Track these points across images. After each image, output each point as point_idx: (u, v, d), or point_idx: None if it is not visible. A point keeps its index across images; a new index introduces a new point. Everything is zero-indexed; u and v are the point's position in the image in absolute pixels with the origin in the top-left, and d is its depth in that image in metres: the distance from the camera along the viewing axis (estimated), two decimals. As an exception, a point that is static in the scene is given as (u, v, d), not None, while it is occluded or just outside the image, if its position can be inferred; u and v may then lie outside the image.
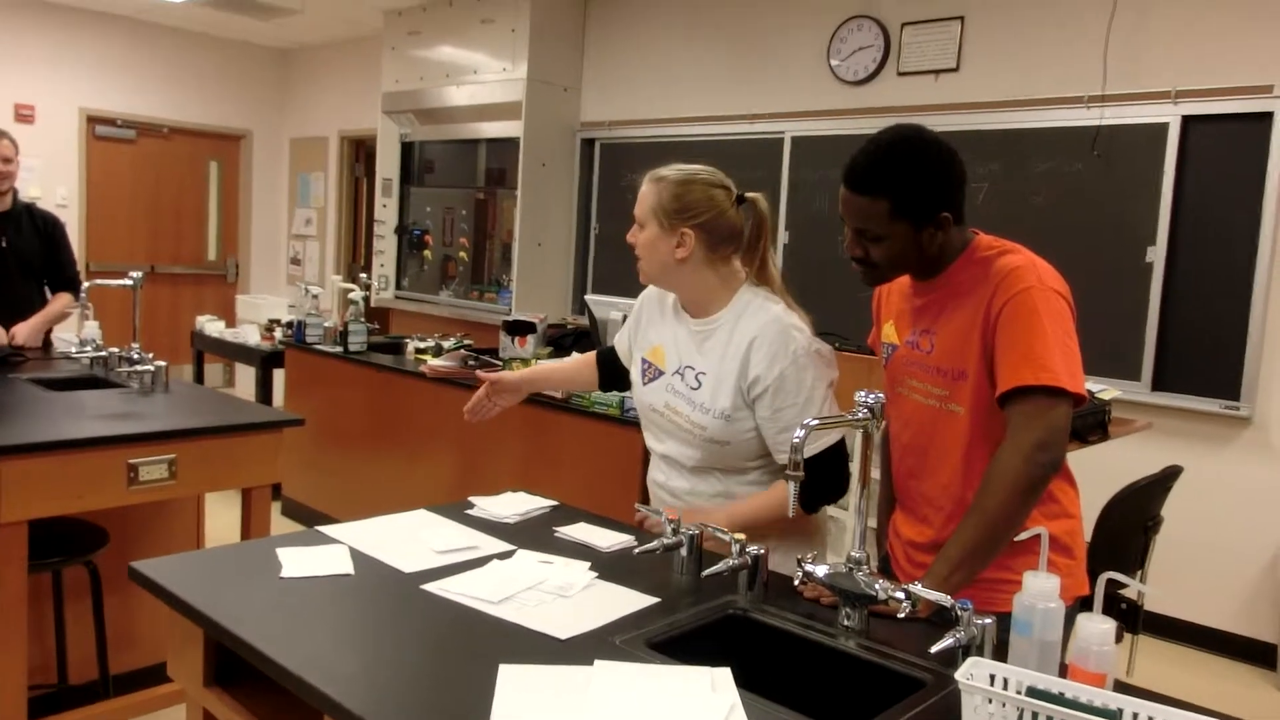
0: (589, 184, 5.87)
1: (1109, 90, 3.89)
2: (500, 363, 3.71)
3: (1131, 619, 2.61)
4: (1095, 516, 2.51)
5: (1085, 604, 1.71)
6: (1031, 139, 4.13)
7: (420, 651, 1.25)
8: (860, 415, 1.34)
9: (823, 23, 4.79)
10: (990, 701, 1.08)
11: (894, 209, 1.51)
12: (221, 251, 7.91)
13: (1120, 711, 1.04)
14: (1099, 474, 2.65)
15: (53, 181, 6.80)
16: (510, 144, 5.72)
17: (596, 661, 1.21)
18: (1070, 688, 1.08)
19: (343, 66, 7.40)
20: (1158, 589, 3.59)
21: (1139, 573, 2.66)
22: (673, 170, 1.80)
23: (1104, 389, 2.84)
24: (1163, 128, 3.76)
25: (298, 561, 1.51)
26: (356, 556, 1.55)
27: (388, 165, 6.55)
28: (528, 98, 5.54)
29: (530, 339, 3.69)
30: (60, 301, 3.53)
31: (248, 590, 1.40)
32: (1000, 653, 1.22)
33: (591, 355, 2.17)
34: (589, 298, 3.75)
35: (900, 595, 1.31)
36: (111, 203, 7.19)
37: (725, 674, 1.18)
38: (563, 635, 1.29)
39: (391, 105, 6.36)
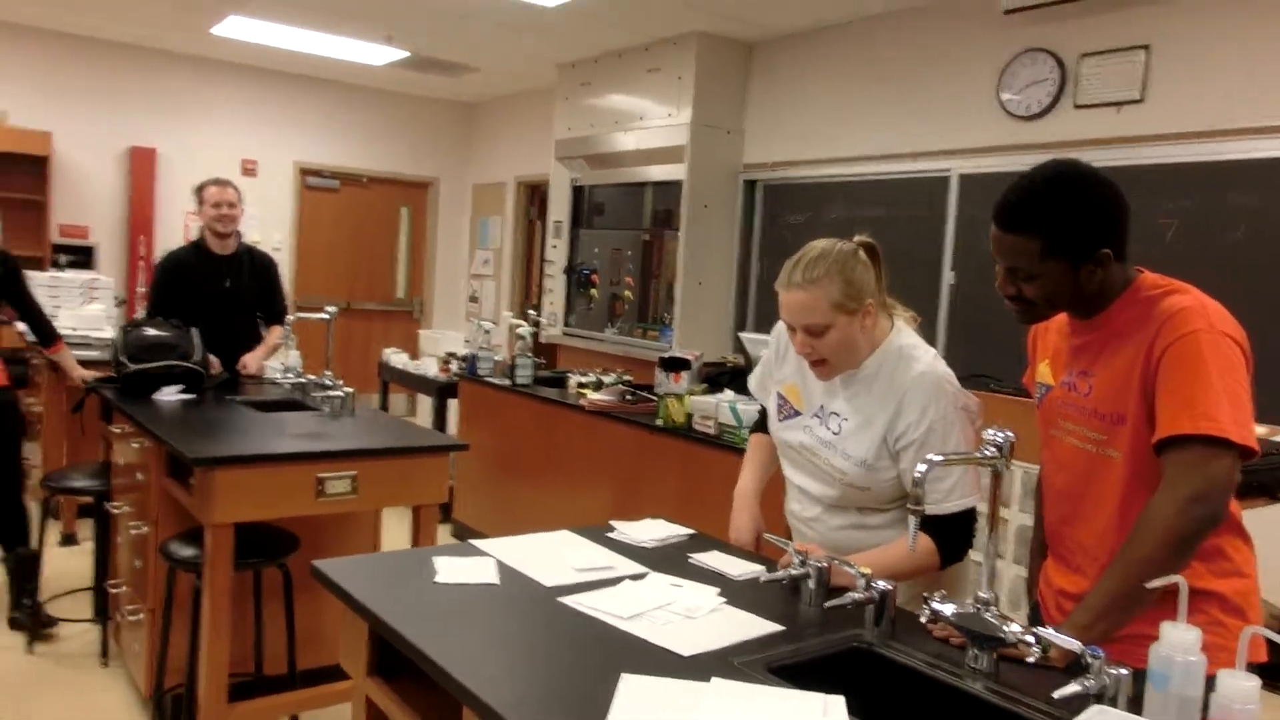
0: (750, 224, 5.95)
1: (1314, 118, 3.60)
2: (655, 398, 3.82)
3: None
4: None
5: (1264, 672, 1.59)
6: (1228, 172, 3.86)
7: (552, 657, 1.34)
8: (988, 454, 1.33)
9: (992, 57, 4.68)
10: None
11: (1046, 248, 1.47)
12: (409, 290, 8.53)
13: (1256, 772, 0.99)
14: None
15: (269, 227, 7.58)
16: (675, 186, 5.89)
17: (714, 679, 1.26)
18: (1203, 744, 1.04)
19: (520, 117, 7.87)
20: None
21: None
22: (814, 265, 1.73)
23: (1299, 441, 2.61)
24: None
25: (451, 569, 1.65)
26: (503, 568, 1.68)
27: (559, 208, 6.89)
28: (692, 141, 5.70)
29: (685, 375, 3.79)
30: (275, 334, 3.95)
31: (406, 592, 1.55)
32: (1136, 708, 1.18)
33: (760, 436, 2.11)
34: (743, 335, 3.81)
35: (1030, 639, 1.29)
36: (317, 246, 7.94)
37: (839, 701, 1.20)
38: (685, 652, 1.35)
39: (564, 151, 6.70)
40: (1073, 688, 1.18)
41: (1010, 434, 1.34)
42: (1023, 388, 1.91)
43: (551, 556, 1.75)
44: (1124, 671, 1.18)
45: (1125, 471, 1.47)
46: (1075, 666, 1.29)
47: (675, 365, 3.81)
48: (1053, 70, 4.45)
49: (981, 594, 1.34)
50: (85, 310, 5.55)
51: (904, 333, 1.83)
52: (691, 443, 3.45)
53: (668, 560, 1.78)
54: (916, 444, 1.69)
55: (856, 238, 1.80)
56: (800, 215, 5.61)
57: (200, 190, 3.82)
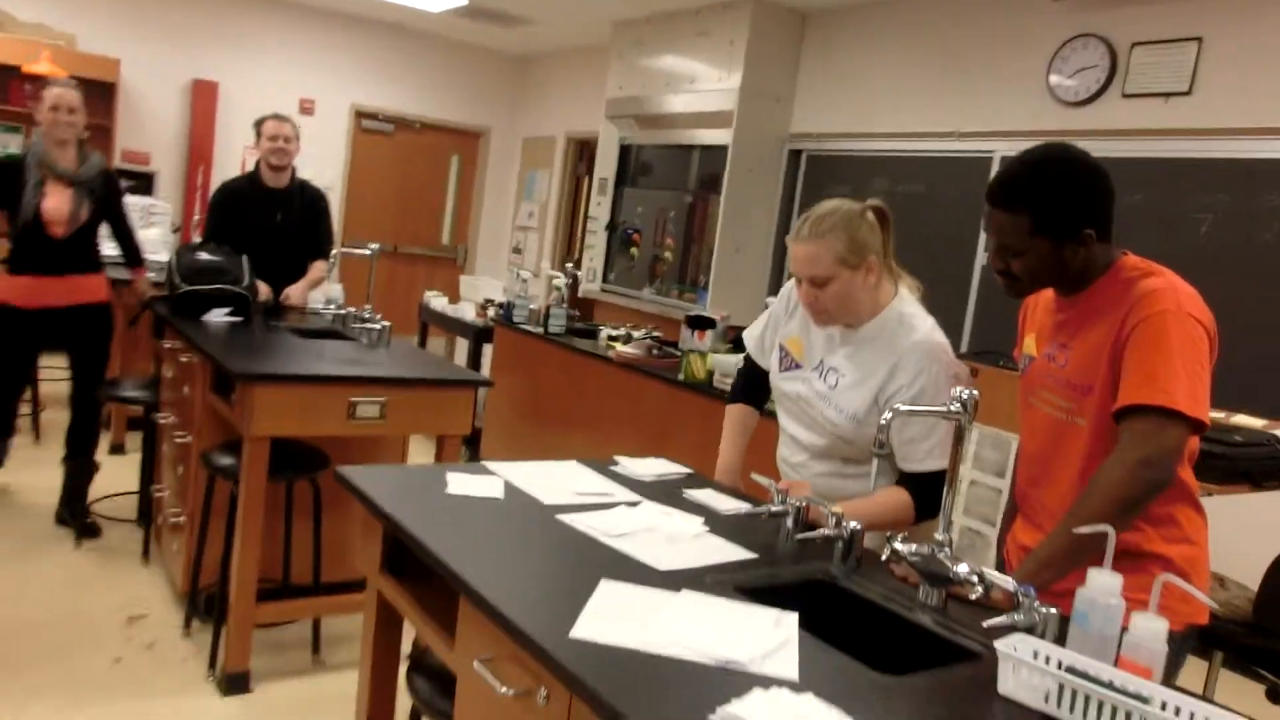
0: (792, 194, 6.00)
1: (1359, 121, 3.57)
2: (680, 353, 3.94)
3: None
4: (1266, 566, 2.39)
5: (1202, 634, 1.70)
6: (1267, 170, 3.84)
7: (542, 561, 1.49)
8: (954, 409, 1.44)
9: (1044, 41, 4.66)
10: (1031, 676, 1.17)
11: (1035, 225, 1.56)
12: (454, 237, 8.71)
13: (1151, 699, 1.10)
14: (1273, 524, 2.51)
15: (323, 167, 7.77)
16: (721, 151, 5.95)
17: (683, 591, 1.39)
18: (1109, 673, 1.15)
19: (573, 72, 7.94)
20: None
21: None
22: (822, 220, 1.85)
23: (1298, 436, 2.66)
24: None
25: (461, 483, 1.80)
26: (509, 487, 1.83)
27: (606, 166, 6.98)
28: (739, 107, 5.75)
29: (709, 334, 3.90)
30: (318, 268, 4.12)
31: (420, 499, 1.70)
32: (1061, 644, 1.29)
33: (740, 408, 2.20)
34: (768, 299, 3.90)
35: (975, 579, 1.41)
36: (368, 188, 8.12)
37: (791, 617, 1.33)
38: (661, 568, 1.49)
39: (614, 110, 6.78)
40: (1002, 619, 1.30)
41: (975, 393, 1.45)
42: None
43: (555, 481, 1.90)
44: (1052, 610, 1.30)
45: (1089, 438, 1.57)
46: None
47: (701, 324, 3.92)
48: (1103, 57, 4.43)
49: (937, 535, 1.46)
50: (143, 234, 5.77)
51: (907, 300, 1.93)
52: (711, 399, 3.57)
53: (662, 493, 1.92)
54: (906, 403, 1.80)
55: (869, 201, 1.90)
56: (842, 188, 5.65)
57: (259, 124, 3.97)
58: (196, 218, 7.06)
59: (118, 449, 4.79)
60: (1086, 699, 1.12)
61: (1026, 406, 1.75)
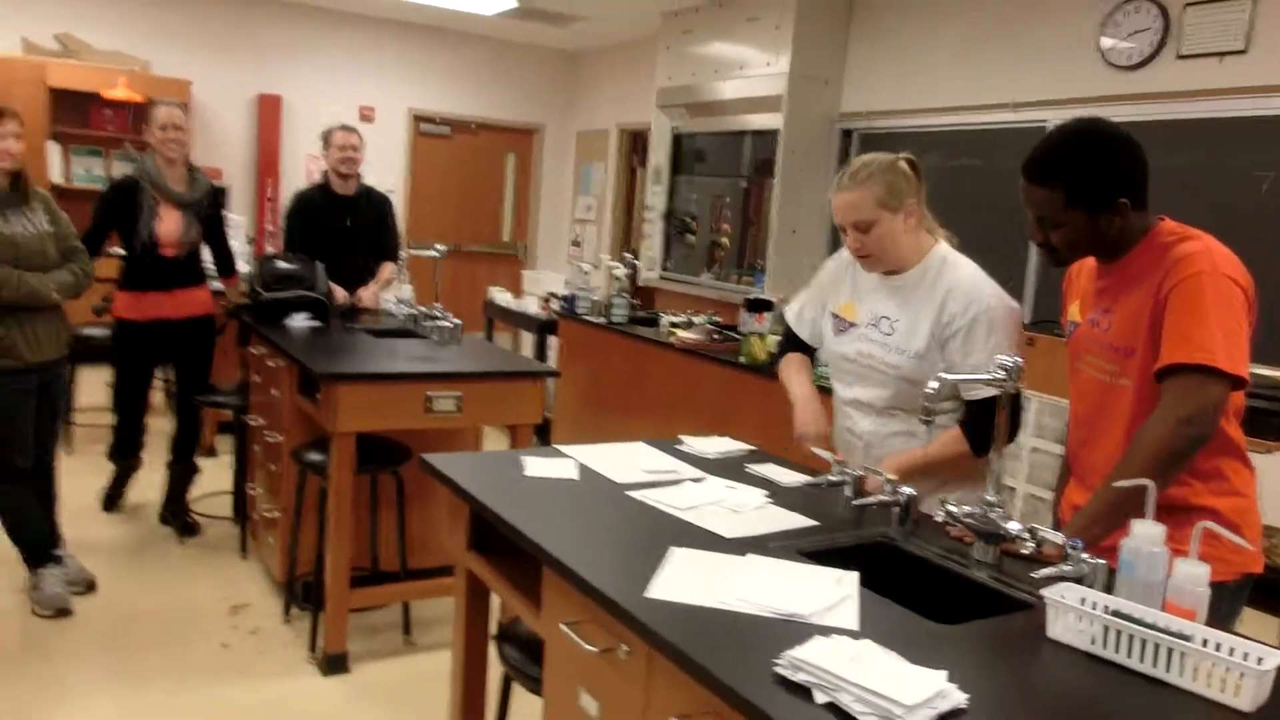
0: (845, 173, 6.02)
1: None
2: (740, 336, 4.03)
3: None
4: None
5: (1259, 584, 1.74)
6: (1328, 126, 3.77)
7: (616, 533, 1.61)
8: (999, 375, 1.51)
9: (1095, 5, 4.61)
10: (1079, 620, 1.25)
11: (1069, 197, 1.63)
12: (514, 233, 8.90)
13: (1193, 636, 1.18)
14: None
15: (384, 171, 8.01)
16: (774, 135, 5.99)
17: (749, 555, 1.50)
18: (1152, 615, 1.23)
19: (622, 66, 8.04)
20: None
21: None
22: (859, 170, 1.99)
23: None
24: None
25: (538, 466, 1.93)
26: (582, 468, 1.96)
27: (659, 155, 7.07)
28: (789, 91, 5.78)
29: (767, 316, 3.98)
30: (387, 270, 4.31)
31: (501, 482, 1.84)
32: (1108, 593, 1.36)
33: (798, 357, 2.29)
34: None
35: (1026, 535, 1.49)
36: (429, 190, 8.36)
37: (852, 575, 1.43)
38: (727, 535, 1.60)
39: (665, 100, 6.86)
40: (1051, 570, 1.38)
41: (1019, 359, 1.52)
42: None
43: (625, 461, 2.02)
44: (1100, 561, 1.37)
45: (1134, 398, 1.63)
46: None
47: (759, 306, 4.01)
48: (1156, 19, 4.37)
49: (989, 497, 1.54)
50: (223, 247, 6.07)
51: (946, 248, 2.04)
52: (771, 379, 3.63)
53: (726, 469, 2.03)
54: (963, 331, 1.91)
55: (902, 154, 2.03)
56: (895, 165, 5.65)
57: (327, 135, 4.18)
58: (269, 227, 7.36)
59: (209, 452, 5.07)
60: (1130, 639, 1.20)
61: (1074, 371, 1.81)
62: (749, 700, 1.07)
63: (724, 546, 1.55)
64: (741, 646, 1.20)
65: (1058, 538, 1.42)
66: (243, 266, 5.74)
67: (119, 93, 6.67)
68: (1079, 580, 1.37)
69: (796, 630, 1.24)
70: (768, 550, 1.55)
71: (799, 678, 1.10)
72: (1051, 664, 1.23)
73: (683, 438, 2.24)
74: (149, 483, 4.23)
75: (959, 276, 1.96)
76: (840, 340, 2.12)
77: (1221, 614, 1.49)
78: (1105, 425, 1.71)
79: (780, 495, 1.85)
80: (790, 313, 2.29)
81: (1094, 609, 1.25)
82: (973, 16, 5.23)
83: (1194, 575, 1.25)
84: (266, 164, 7.69)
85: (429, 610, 3.41)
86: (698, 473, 1.97)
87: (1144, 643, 1.19)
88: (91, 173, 7.09)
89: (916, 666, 1.12)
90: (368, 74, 7.96)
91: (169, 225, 3.72)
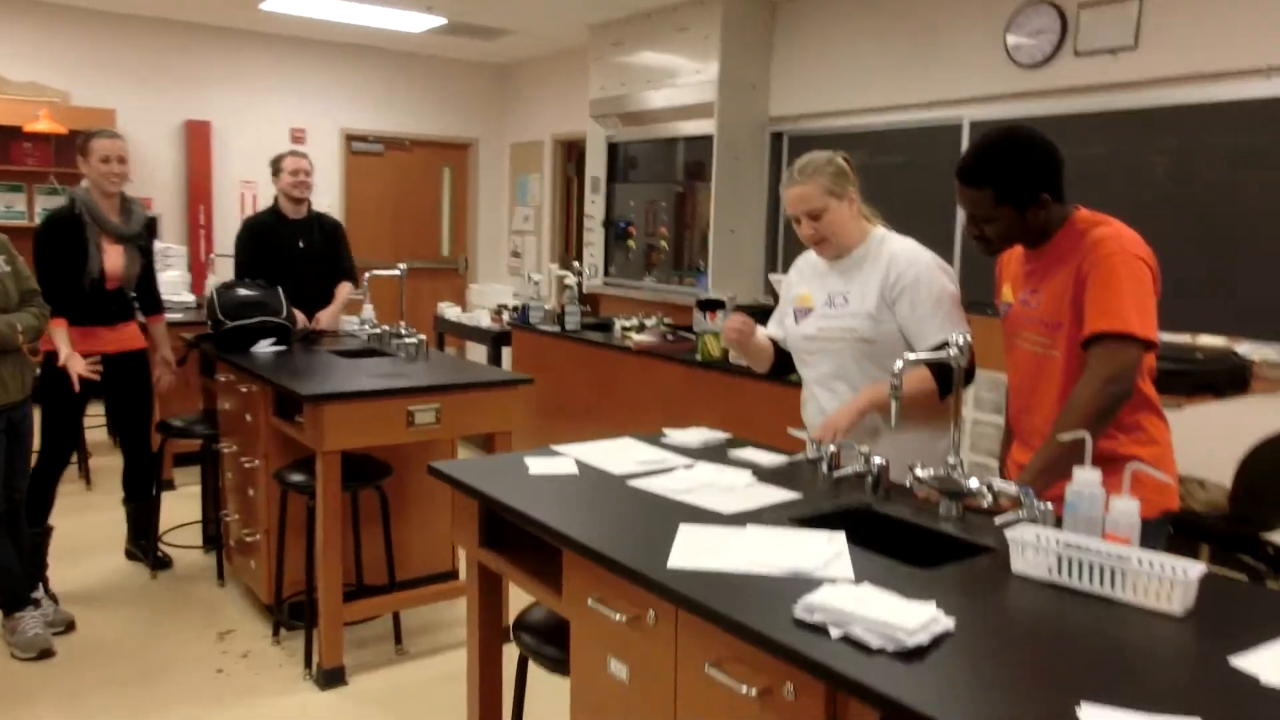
0: (778, 174, 6.28)
1: (1294, 58, 3.87)
2: (694, 336, 4.24)
3: (1278, 564, 2.77)
4: (1236, 466, 2.70)
5: (1188, 529, 2.02)
6: (1211, 113, 4.14)
7: (626, 517, 1.79)
8: (952, 353, 1.74)
9: (998, 9, 4.95)
10: (1037, 554, 1.48)
11: (998, 196, 1.88)
12: (453, 247, 8.98)
13: (1129, 557, 1.41)
14: (1243, 427, 2.82)
15: (319, 192, 7.94)
16: (706, 140, 6.22)
17: (749, 525, 1.70)
18: (1096, 544, 1.46)
19: (554, 76, 8.20)
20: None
21: (1288, 521, 2.80)
22: (806, 165, 2.25)
23: (1256, 350, 2.98)
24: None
25: (540, 465, 2.10)
26: (580, 464, 2.13)
27: (595, 165, 7.26)
28: (719, 97, 6.03)
29: (720, 314, 4.19)
30: (344, 291, 4.39)
31: (509, 481, 2.00)
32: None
33: (772, 344, 2.52)
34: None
35: (985, 490, 1.71)
36: (365, 208, 8.39)
37: (840, 535, 1.63)
38: (726, 511, 1.79)
39: (598, 110, 7.05)
40: (1009, 516, 1.61)
41: (969, 336, 1.75)
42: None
43: (617, 455, 2.20)
44: (1049, 505, 1.60)
45: (1063, 367, 1.89)
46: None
47: (711, 305, 4.22)
48: (1055, 20, 4.72)
49: (950, 460, 1.76)
50: (162, 278, 6.00)
51: (882, 228, 2.34)
52: (728, 374, 3.87)
53: (711, 455, 2.22)
54: (908, 288, 2.19)
55: (836, 153, 2.29)
56: (823, 164, 5.93)
57: (277, 161, 4.24)
58: (212, 255, 7.31)
59: (167, 484, 5.02)
60: (1081, 564, 1.43)
61: (1011, 347, 2.05)
62: (778, 641, 1.26)
63: (725, 521, 1.74)
64: (759, 600, 1.39)
65: (1012, 489, 1.65)
66: (187, 296, 5.78)
67: (42, 125, 6.57)
68: (1032, 522, 1.60)
69: (803, 583, 1.43)
70: (763, 520, 1.74)
71: (815, 618, 1.29)
72: (1017, 592, 1.45)
73: (665, 430, 2.43)
74: (103, 522, 4.22)
75: (899, 247, 2.26)
76: (802, 325, 2.36)
77: (1147, 548, 1.74)
78: (1042, 392, 1.95)
79: (764, 474, 2.05)
80: (772, 326, 2.52)
81: (1049, 543, 1.48)
82: (889, 21, 5.55)
83: (1127, 509, 1.48)
84: (197, 191, 7.63)
85: (417, 619, 3.52)
86: (686, 460, 2.16)
87: (1092, 566, 1.42)
88: (13, 209, 6.96)
89: (911, 601, 1.33)
90: (298, 95, 7.96)
91: (113, 260, 3.66)
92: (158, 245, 6.33)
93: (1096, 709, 1.08)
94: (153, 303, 4.01)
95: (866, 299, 2.23)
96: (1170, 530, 1.93)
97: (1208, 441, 3.09)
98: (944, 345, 1.79)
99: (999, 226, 1.91)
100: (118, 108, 7.11)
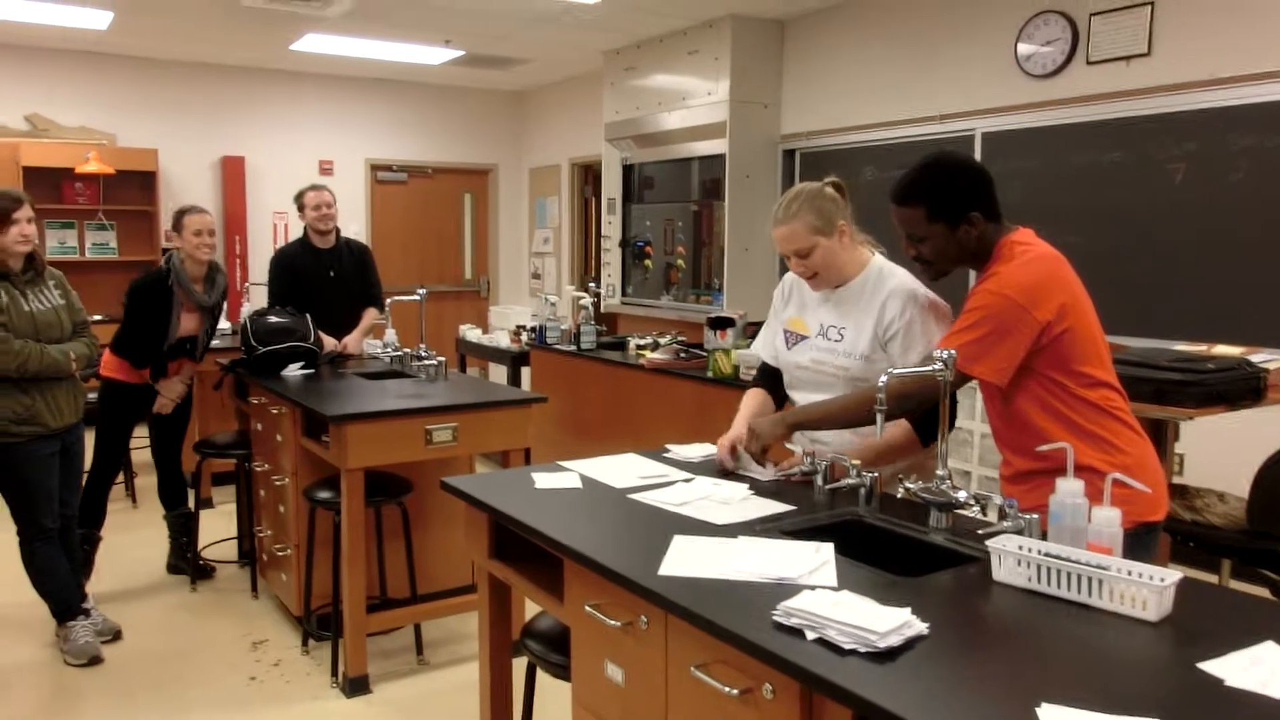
0: (791, 191, 6.35)
1: (1302, 63, 3.88)
2: (706, 353, 4.31)
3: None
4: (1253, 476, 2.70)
5: (1207, 544, 2.04)
6: (1227, 117, 4.15)
7: (625, 528, 1.86)
8: (938, 368, 1.79)
9: (1008, 20, 5.00)
10: (1018, 564, 1.53)
11: (929, 213, 1.95)
12: (475, 270, 9.13)
13: (1110, 566, 1.46)
14: (1263, 438, 2.83)
15: (347, 221, 8.18)
16: (719, 159, 6.32)
17: (740, 537, 1.76)
18: (1076, 553, 1.50)
19: (570, 101, 8.35)
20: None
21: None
22: (790, 204, 2.24)
23: (1271, 359, 2.97)
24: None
25: (545, 480, 2.18)
26: (584, 479, 2.20)
27: (611, 186, 7.37)
28: (731, 117, 6.12)
29: (730, 332, 4.25)
30: (370, 316, 4.53)
31: (515, 494, 2.08)
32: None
33: (758, 391, 2.52)
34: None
35: (972, 501, 1.76)
36: (390, 234, 8.58)
37: (828, 545, 1.69)
38: (719, 523, 1.85)
39: (613, 133, 7.17)
40: (995, 527, 1.66)
41: (954, 351, 1.80)
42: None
43: (620, 470, 2.27)
44: (1034, 516, 1.65)
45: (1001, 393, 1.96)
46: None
47: (721, 324, 4.28)
48: (1065, 30, 4.76)
49: (939, 472, 1.82)
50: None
51: (880, 259, 2.32)
52: (739, 390, 3.90)
53: (711, 470, 2.28)
54: (901, 333, 2.19)
55: (826, 179, 2.29)
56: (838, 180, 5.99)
57: (300, 196, 4.39)
58: (248, 284, 7.51)
59: (206, 503, 5.18)
60: (1060, 573, 1.47)
61: None
62: (756, 643, 1.32)
63: (717, 532, 1.81)
64: (743, 605, 1.45)
65: (997, 500, 1.69)
66: (224, 324, 5.94)
67: (91, 166, 6.85)
68: (1018, 532, 1.65)
69: (786, 589, 1.49)
70: (755, 532, 1.80)
71: (792, 622, 1.35)
72: (997, 599, 1.50)
73: (669, 446, 2.50)
74: (148, 538, 4.38)
75: (894, 285, 2.24)
76: (794, 352, 2.38)
77: (1131, 557, 1.77)
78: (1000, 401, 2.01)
79: (760, 488, 2.11)
80: (758, 346, 2.55)
81: (1031, 552, 1.53)
82: (897, 36, 5.61)
83: (1108, 518, 1.53)
84: (234, 223, 7.85)
85: (437, 631, 3.61)
86: (686, 474, 2.23)
87: (1070, 575, 1.46)
88: (65, 244, 7.22)
89: (886, 606, 1.38)
90: (325, 129, 8.18)
91: (189, 325, 4.00)
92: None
93: (1057, 710, 1.13)
94: (200, 350, 4.22)
95: (860, 341, 2.23)
96: (1166, 540, 1.96)
97: (1227, 453, 3.09)
98: (929, 360, 1.82)
99: (934, 245, 1.98)
100: (160, 147, 7.38)
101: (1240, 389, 2.84)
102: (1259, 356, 3.06)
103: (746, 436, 2.20)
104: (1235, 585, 2.92)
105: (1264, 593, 2.92)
